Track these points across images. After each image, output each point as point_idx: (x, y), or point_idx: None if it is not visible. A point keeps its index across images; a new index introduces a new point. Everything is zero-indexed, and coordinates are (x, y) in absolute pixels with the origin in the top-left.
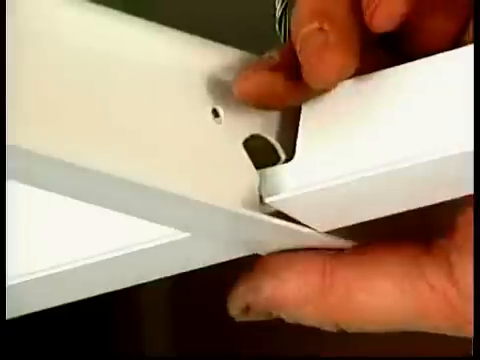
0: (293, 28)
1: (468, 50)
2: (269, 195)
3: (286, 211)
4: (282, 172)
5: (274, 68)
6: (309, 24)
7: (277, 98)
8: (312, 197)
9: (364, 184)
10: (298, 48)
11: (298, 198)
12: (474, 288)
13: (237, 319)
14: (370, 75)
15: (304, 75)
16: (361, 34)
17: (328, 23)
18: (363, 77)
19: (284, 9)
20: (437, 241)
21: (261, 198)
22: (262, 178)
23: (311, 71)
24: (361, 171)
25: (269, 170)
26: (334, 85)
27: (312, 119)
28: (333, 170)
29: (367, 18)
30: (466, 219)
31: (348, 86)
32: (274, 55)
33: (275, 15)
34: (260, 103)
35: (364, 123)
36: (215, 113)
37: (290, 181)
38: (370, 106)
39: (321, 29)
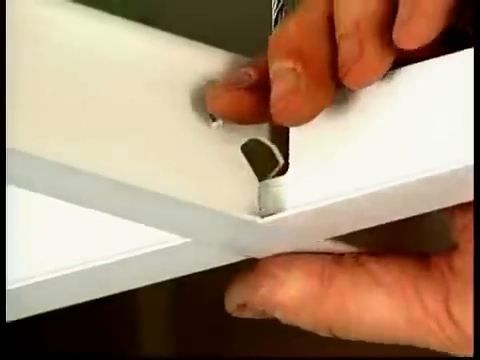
0: (270, 47)
1: (467, 53)
2: (267, 211)
3: (285, 227)
4: (278, 187)
5: (249, 88)
6: (284, 60)
7: (251, 117)
8: (310, 214)
9: (361, 200)
10: (271, 76)
11: (295, 216)
12: (474, 287)
13: (233, 315)
14: None
15: (272, 112)
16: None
17: (303, 64)
18: None
19: (280, 10)
20: (436, 260)
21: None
22: (261, 188)
23: (277, 113)
24: (358, 189)
25: (267, 181)
26: (300, 125)
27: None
28: (330, 187)
29: (341, 75)
30: (466, 239)
31: (340, 92)
32: (250, 72)
33: (271, 16)
34: (233, 121)
35: (358, 134)
36: (212, 117)
37: (287, 199)
38: (365, 114)
39: (294, 70)
